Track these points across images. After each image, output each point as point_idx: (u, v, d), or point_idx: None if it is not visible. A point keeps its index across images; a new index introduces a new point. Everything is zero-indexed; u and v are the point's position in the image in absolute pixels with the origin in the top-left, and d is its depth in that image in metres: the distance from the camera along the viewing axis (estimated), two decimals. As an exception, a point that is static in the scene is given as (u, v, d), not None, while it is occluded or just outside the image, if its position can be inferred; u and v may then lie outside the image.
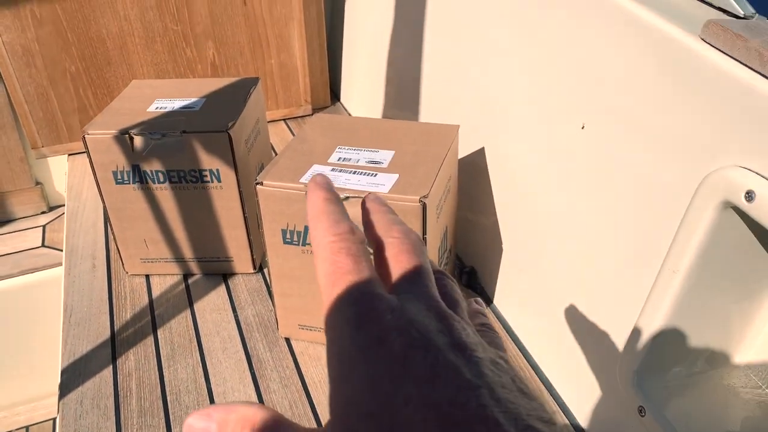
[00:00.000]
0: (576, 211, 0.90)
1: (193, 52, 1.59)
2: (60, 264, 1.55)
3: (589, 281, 0.89)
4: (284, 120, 1.77)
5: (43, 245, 1.63)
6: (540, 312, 1.01)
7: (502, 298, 1.12)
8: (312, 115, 1.79)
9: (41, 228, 1.70)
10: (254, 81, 1.23)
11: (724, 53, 0.67)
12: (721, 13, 0.75)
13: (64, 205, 1.78)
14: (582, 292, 0.90)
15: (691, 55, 0.69)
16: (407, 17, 1.38)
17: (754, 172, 0.63)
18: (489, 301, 1.14)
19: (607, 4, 0.82)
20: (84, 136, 1.07)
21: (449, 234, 1.08)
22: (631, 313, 0.80)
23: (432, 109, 1.33)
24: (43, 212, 1.75)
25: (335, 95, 1.88)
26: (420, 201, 0.87)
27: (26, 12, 1.45)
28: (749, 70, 0.64)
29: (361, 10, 1.67)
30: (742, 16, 0.72)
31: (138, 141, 1.06)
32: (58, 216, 1.73)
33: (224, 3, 1.56)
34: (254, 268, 1.20)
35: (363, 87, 1.71)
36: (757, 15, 0.72)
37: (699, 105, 0.69)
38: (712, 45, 0.68)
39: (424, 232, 0.90)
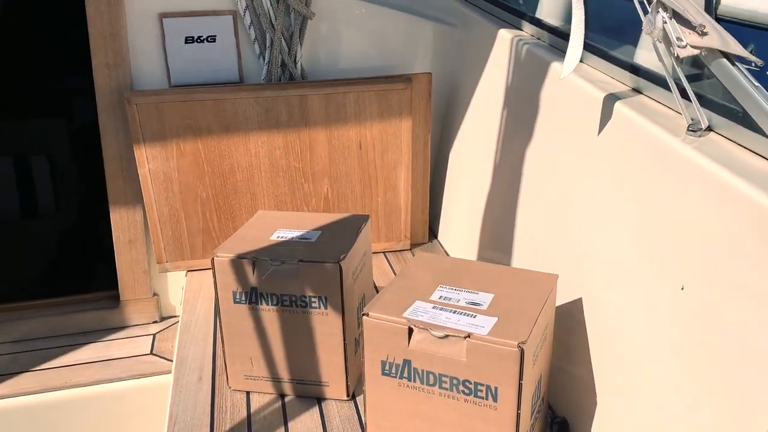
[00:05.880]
0: (675, 372, 0.90)
1: (310, 187, 1.75)
2: (165, 372, 1.65)
3: (689, 446, 0.87)
4: (384, 253, 1.87)
5: (151, 353, 1.75)
6: (635, 473, 0.98)
7: (594, 454, 1.09)
8: (410, 250, 1.89)
9: (152, 336, 1.83)
10: (365, 218, 1.34)
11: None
12: (823, 191, 0.78)
13: (174, 317, 1.92)
14: (681, 457, 0.88)
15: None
16: (507, 165, 1.48)
17: None
18: (581, 455, 1.12)
19: (710, 174, 0.87)
20: (213, 258, 1.19)
21: (543, 382, 1.09)
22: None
23: (526, 255, 1.38)
24: (155, 321, 1.88)
25: (433, 233, 1.98)
26: (518, 346, 0.91)
27: (172, 145, 1.67)
28: None
29: (464, 158, 1.80)
30: None
31: (260, 266, 1.18)
32: (168, 326, 1.86)
33: (342, 147, 1.73)
34: (348, 395, 1.24)
35: (460, 228, 1.80)
36: None
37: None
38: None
39: (521, 378, 0.92)
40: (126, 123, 1.68)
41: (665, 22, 0.97)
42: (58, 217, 2.96)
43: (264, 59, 1.76)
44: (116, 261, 1.81)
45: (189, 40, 1.70)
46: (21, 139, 2.93)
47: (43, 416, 1.62)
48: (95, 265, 2.26)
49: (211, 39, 1.71)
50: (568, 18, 1.55)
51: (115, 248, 1.79)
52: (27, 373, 1.66)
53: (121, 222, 1.77)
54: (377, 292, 1.63)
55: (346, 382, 1.23)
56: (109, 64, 1.67)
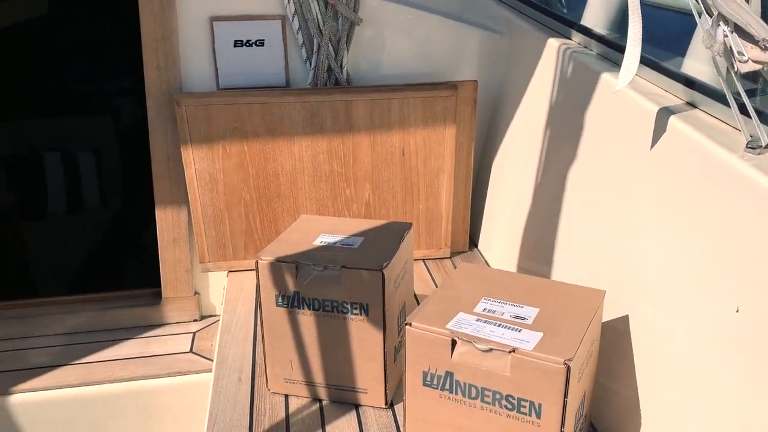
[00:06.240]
0: (725, 395, 0.88)
1: (352, 192, 1.76)
2: (204, 371, 1.68)
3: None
4: (423, 260, 1.86)
5: (191, 351, 1.77)
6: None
7: (637, 476, 1.07)
8: (450, 258, 1.87)
9: (191, 335, 1.85)
10: (408, 226, 1.34)
11: None
12: None
13: (214, 316, 1.94)
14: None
15: None
16: (552, 176, 1.46)
17: None
18: (623, 476, 1.09)
19: (763, 189, 0.84)
20: (257, 261, 1.20)
21: (587, 400, 1.07)
22: None
23: (569, 268, 1.36)
24: (194, 320, 1.91)
25: (473, 242, 1.96)
26: (565, 363, 0.89)
27: (219, 147, 1.69)
28: None
29: (508, 167, 1.78)
30: None
31: (302, 270, 1.18)
32: (208, 325, 1.88)
33: (385, 153, 1.73)
34: (386, 403, 1.24)
35: (501, 238, 1.78)
36: None
37: None
38: None
39: (566, 395, 0.90)
40: (174, 124, 1.71)
41: (726, 36, 0.94)
42: (103, 213, 3.03)
43: (311, 64, 1.77)
44: (160, 259, 1.84)
45: (238, 43, 1.72)
46: (69, 135, 3.01)
47: (85, 409, 1.66)
48: (138, 262, 2.30)
49: (260, 43, 1.73)
50: (614, 27, 1.53)
51: (159, 246, 1.82)
52: (70, 366, 1.70)
53: (166, 221, 1.80)
54: (416, 299, 1.62)
55: (385, 390, 1.23)
56: (159, 66, 1.70)
